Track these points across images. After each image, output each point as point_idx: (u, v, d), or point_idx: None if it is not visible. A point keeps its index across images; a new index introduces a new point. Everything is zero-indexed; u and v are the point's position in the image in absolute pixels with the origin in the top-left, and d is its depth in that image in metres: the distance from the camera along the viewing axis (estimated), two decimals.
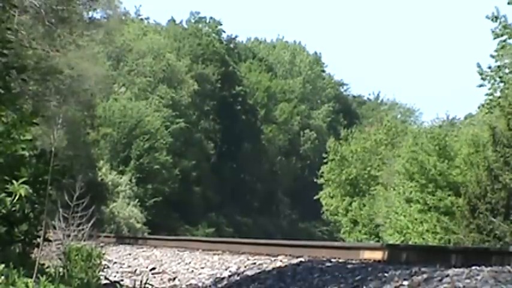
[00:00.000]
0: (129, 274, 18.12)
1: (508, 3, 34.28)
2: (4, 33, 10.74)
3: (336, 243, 20.58)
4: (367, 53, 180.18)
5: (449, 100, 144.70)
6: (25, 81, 13.30)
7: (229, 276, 15.23)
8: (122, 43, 75.05)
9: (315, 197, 60.35)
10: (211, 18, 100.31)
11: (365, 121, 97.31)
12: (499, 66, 35.44)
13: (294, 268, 14.02)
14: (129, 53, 78.79)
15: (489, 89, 35.66)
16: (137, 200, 60.22)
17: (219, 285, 14.56)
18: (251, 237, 47.75)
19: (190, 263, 18.29)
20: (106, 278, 14.20)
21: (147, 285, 13.82)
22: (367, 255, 14.78)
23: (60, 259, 12.99)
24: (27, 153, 9.65)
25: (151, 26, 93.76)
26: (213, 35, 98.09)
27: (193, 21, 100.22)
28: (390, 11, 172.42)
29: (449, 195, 40.41)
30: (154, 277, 17.18)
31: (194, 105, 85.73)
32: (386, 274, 11.51)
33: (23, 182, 8.87)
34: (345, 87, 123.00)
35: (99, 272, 12.75)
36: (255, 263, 15.90)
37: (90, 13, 29.98)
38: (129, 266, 19.80)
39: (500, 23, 34.80)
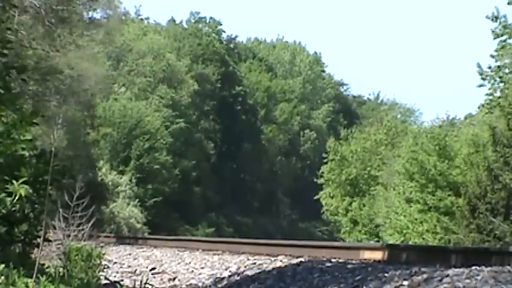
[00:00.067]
0: (129, 274, 18.11)
1: (508, 3, 34.26)
2: (4, 33, 10.75)
3: (336, 243, 20.58)
4: (367, 53, 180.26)
5: (449, 100, 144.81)
6: (25, 81, 13.28)
7: (229, 276, 15.23)
8: (122, 43, 75.04)
9: (315, 197, 60.38)
10: (211, 18, 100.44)
11: (365, 121, 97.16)
12: (499, 66, 35.41)
13: (294, 268, 14.02)
14: (129, 53, 78.78)
15: (489, 89, 35.65)
16: (137, 200, 60.21)
17: (219, 285, 14.56)
18: (251, 237, 47.72)
19: (190, 263, 18.28)
20: (106, 278, 14.21)
21: (147, 285, 13.82)
22: (367, 255, 14.78)
23: (60, 259, 12.98)
24: (27, 153, 9.65)
25: (151, 26, 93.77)
26: (213, 35, 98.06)
27: (193, 21, 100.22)
28: (390, 11, 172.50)
29: (449, 195, 40.38)
30: (154, 277, 17.18)
31: (194, 105, 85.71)
32: (386, 274, 11.51)
33: (23, 182, 8.86)
34: (345, 87, 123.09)
35: (99, 272, 12.75)
36: (255, 263, 15.89)
37: (90, 13, 30.01)
38: (129, 266, 19.79)
39: (500, 23, 34.77)
